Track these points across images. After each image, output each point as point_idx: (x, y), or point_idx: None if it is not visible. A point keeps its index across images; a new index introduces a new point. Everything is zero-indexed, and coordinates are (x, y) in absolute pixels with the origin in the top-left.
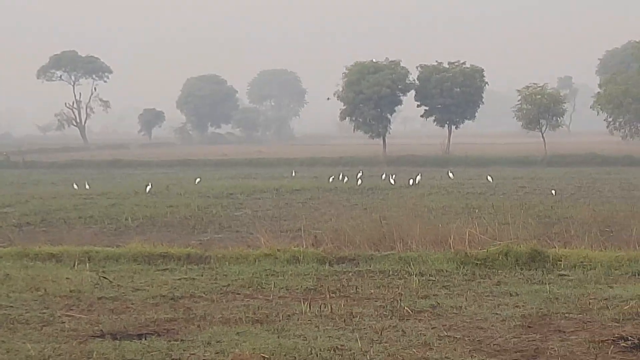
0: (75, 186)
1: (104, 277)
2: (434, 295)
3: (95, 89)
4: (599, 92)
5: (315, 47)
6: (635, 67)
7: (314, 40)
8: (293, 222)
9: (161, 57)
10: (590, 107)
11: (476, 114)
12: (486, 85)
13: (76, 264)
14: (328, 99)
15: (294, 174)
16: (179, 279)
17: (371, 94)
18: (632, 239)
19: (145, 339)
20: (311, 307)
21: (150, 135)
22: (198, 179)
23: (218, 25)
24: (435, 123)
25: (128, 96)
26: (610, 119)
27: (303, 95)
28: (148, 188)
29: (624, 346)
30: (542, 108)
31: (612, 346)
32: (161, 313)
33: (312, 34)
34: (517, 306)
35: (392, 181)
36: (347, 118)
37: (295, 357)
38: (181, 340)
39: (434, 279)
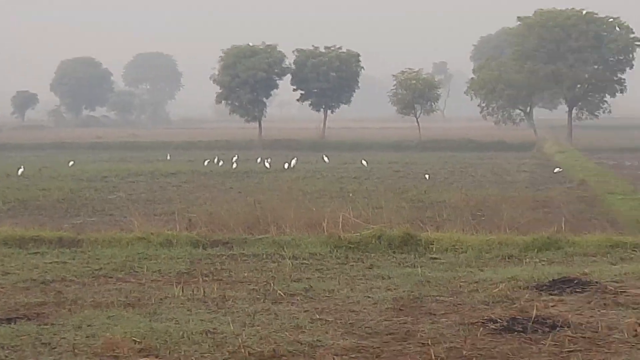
0: None
1: None
2: (307, 278)
3: None
4: (472, 78)
5: (193, 31)
6: (508, 53)
7: (191, 23)
8: (167, 206)
9: (33, 40)
10: (465, 93)
11: (352, 99)
12: (362, 70)
13: None
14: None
15: (169, 157)
16: (50, 263)
17: (247, 77)
18: (503, 223)
19: (15, 323)
20: (184, 290)
21: (24, 118)
22: (71, 162)
23: (93, 7)
24: (311, 107)
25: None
26: (483, 105)
27: (179, 78)
28: (20, 171)
29: (493, 328)
30: (416, 93)
31: (482, 328)
32: (31, 297)
33: (189, 18)
34: (389, 289)
35: (267, 165)
36: (223, 102)
37: (166, 341)
38: (51, 324)
39: (307, 262)
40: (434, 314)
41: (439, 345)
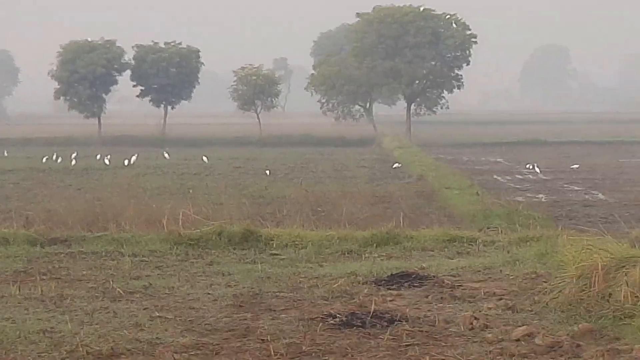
0: None
1: None
2: (146, 276)
3: None
4: (313, 74)
5: (32, 26)
6: (348, 49)
7: (31, 18)
8: (4, 204)
9: None
10: (305, 89)
11: (192, 94)
12: (202, 65)
13: None
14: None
15: (5, 154)
16: None
17: (86, 73)
18: (343, 218)
19: None
20: (20, 289)
21: None
22: None
23: None
24: (151, 103)
25: None
26: (323, 100)
27: (16, 74)
28: None
29: (332, 323)
30: (257, 89)
31: (321, 323)
32: None
33: (29, 11)
34: (229, 285)
35: (107, 162)
36: (61, 97)
37: (2, 341)
38: None
39: (147, 259)
40: (274, 310)
41: (278, 341)
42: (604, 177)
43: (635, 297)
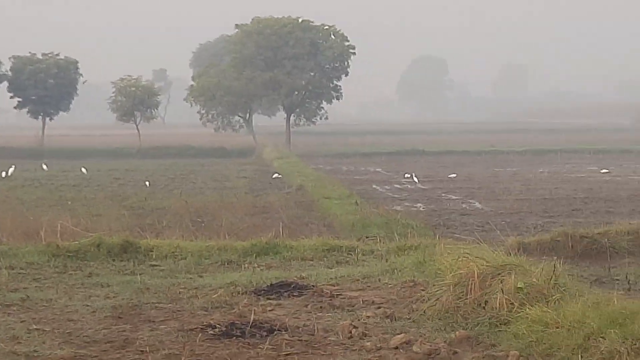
0: None
1: None
2: (24, 288)
3: None
4: (192, 85)
5: None
6: (227, 60)
7: None
8: None
9: None
10: (184, 100)
11: (71, 106)
12: (81, 77)
13: None
14: None
15: None
16: None
17: None
18: (223, 229)
19: None
20: None
21: None
22: None
23: None
24: (29, 115)
25: None
26: (203, 111)
27: None
28: None
29: (212, 334)
30: (136, 100)
31: (201, 334)
32: None
33: None
34: (108, 297)
35: None
36: None
37: None
38: None
39: (24, 272)
40: (153, 321)
41: (157, 352)
42: (481, 186)
43: (511, 304)
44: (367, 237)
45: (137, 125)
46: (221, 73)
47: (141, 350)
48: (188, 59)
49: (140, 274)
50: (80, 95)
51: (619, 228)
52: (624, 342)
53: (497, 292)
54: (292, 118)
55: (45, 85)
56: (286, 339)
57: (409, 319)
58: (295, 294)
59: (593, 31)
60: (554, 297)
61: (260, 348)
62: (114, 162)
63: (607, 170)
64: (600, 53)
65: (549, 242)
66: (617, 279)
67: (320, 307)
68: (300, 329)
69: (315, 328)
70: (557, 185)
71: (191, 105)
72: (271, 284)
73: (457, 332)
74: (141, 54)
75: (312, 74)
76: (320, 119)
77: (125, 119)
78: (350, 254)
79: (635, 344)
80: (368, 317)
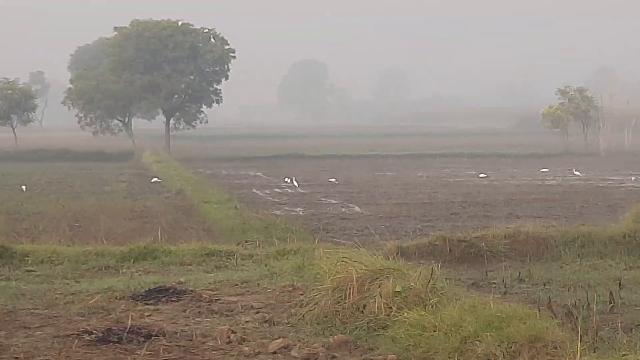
0: None
1: None
2: None
3: None
4: (70, 88)
5: None
6: (106, 63)
7: None
8: None
9: None
10: (62, 103)
11: None
12: None
13: None
14: None
15: None
16: None
17: None
18: (100, 234)
19: None
20: None
21: None
22: None
23: None
24: None
25: None
26: (81, 115)
27: None
28: None
29: (88, 340)
30: (13, 103)
31: (77, 340)
32: None
33: None
34: None
35: None
36: None
37: None
38: None
39: None
40: (29, 328)
41: (32, 359)
42: (360, 191)
43: (389, 308)
44: (246, 242)
45: (13, 129)
46: (100, 76)
47: (16, 357)
48: (66, 61)
49: (15, 280)
50: None
51: (495, 232)
52: (499, 345)
53: (375, 296)
54: (171, 122)
55: None
56: (164, 345)
57: (288, 323)
58: (173, 299)
59: (471, 33)
60: (431, 301)
61: (137, 354)
62: None
63: (485, 175)
64: (479, 56)
65: (428, 246)
66: (494, 283)
67: (199, 312)
68: (178, 334)
69: (194, 333)
70: (435, 189)
71: (69, 109)
72: (149, 289)
73: (335, 337)
74: (17, 56)
75: (191, 77)
76: (200, 122)
77: (2, 122)
78: (230, 259)
79: (511, 347)
80: (247, 322)
